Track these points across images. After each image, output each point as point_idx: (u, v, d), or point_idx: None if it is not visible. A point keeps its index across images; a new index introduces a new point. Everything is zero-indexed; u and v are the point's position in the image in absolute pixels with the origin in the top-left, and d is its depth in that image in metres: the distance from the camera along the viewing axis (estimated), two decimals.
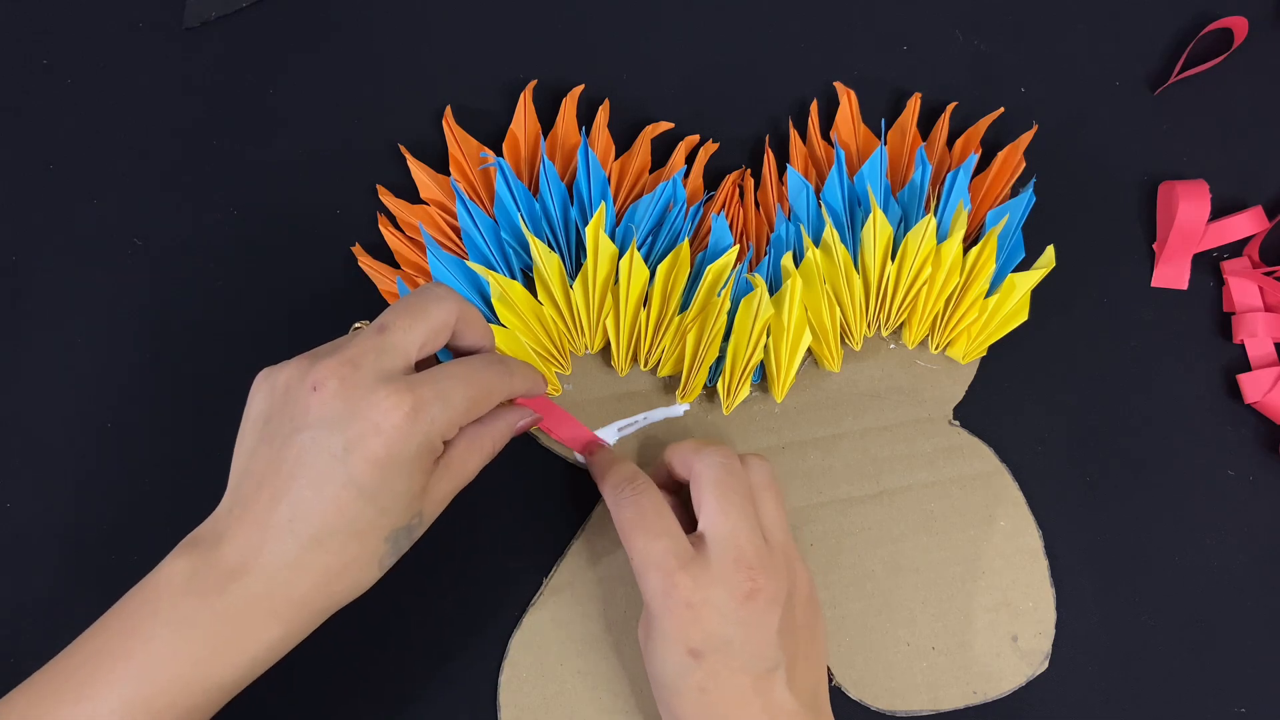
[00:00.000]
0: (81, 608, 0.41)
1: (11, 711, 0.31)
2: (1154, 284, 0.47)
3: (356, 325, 0.40)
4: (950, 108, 0.48)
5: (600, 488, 0.40)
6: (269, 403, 0.34)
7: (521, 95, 0.46)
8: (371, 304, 0.46)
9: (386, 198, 0.46)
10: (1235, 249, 0.48)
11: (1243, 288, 0.47)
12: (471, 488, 0.45)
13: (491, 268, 0.44)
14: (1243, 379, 0.46)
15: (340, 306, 0.46)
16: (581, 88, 0.47)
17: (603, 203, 0.43)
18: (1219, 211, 0.48)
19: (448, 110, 0.47)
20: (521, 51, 0.49)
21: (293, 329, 0.46)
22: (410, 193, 0.46)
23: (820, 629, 0.39)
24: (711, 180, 0.47)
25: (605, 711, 0.42)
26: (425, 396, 0.33)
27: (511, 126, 0.46)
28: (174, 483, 0.45)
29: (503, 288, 0.42)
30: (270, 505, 0.32)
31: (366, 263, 0.45)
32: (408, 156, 0.46)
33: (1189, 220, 0.46)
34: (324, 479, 0.32)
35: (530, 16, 0.50)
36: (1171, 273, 0.47)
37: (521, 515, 0.45)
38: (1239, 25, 0.49)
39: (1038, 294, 0.45)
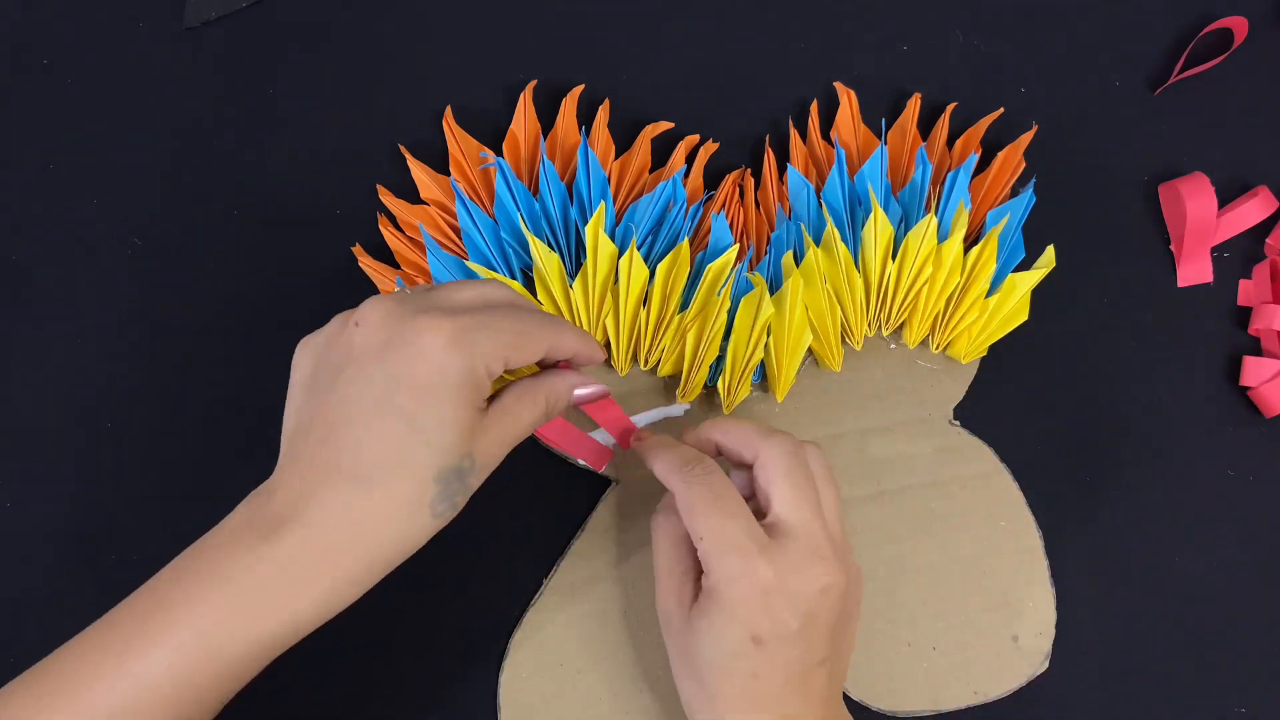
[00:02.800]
0: (81, 607, 0.41)
1: (60, 665, 0.30)
2: (1180, 284, 0.48)
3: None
4: (950, 108, 0.48)
5: (656, 469, 0.38)
6: (313, 360, 0.33)
7: (521, 95, 0.46)
8: None
9: (386, 198, 0.46)
10: (1234, 248, 0.48)
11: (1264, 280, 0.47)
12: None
13: (491, 268, 0.44)
14: (1248, 361, 0.46)
15: (340, 306, 0.46)
16: (581, 88, 0.47)
17: (602, 202, 0.43)
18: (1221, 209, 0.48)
19: (448, 110, 0.47)
20: (521, 51, 0.49)
21: (292, 329, 0.46)
22: (410, 193, 0.46)
23: (856, 624, 0.39)
24: (711, 180, 0.47)
25: (605, 711, 0.42)
26: (467, 323, 0.32)
27: (511, 126, 0.46)
28: (174, 483, 0.45)
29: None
30: (318, 448, 0.31)
31: (366, 263, 0.45)
32: (408, 156, 0.46)
33: (1200, 215, 0.46)
34: (370, 412, 0.31)
35: (530, 16, 0.50)
36: (1194, 270, 0.48)
37: (521, 515, 0.45)
38: (1239, 25, 0.49)
39: (1038, 294, 0.45)
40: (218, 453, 0.45)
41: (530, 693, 0.42)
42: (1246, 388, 0.47)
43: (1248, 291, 0.48)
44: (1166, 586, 0.45)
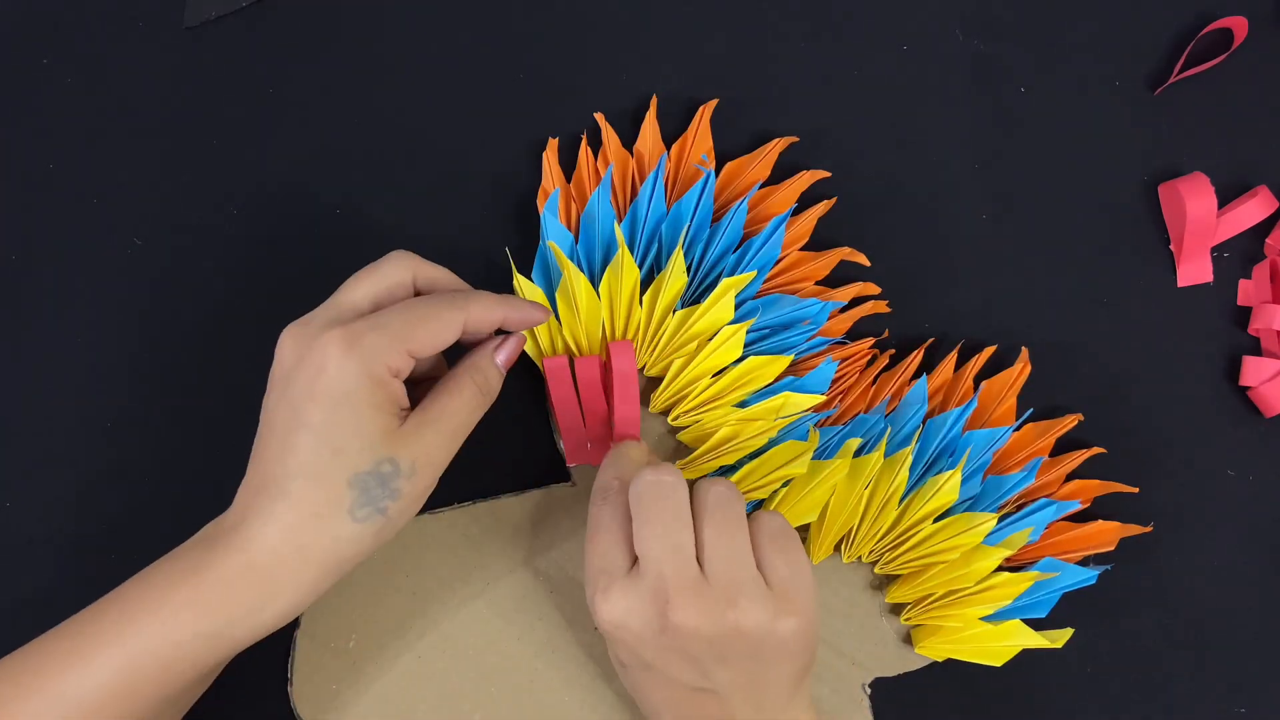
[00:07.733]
0: (81, 607, 0.41)
1: (35, 655, 0.33)
2: (1180, 284, 0.48)
3: None
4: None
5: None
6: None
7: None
8: None
9: (605, 127, 0.45)
10: (1234, 248, 0.48)
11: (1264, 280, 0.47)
12: (471, 486, 0.45)
13: (591, 258, 0.43)
14: (1248, 361, 0.46)
15: None
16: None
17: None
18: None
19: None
20: (522, 51, 0.49)
21: None
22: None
23: (782, 662, 0.35)
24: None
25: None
26: (358, 328, 0.33)
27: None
28: (174, 483, 0.45)
29: (571, 279, 0.41)
30: (252, 467, 0.34)
31: (550, 158, 0.45)
32: (603, 124, 0.46)
33: (1200, 216, 0.46)
34: (283, 429, 0.33)
35: (530, 16, 0.49)
36: (1194, 270, 0.48)
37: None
38: (1239, 25, 0.49)
39: (1038, 294, 0.45)
40: (218, 453, 0.45)
41: None
42: (1246, 388, 0.47)
43: (1248, 291, 0.48)
44: (1166, 586, 0.45)
